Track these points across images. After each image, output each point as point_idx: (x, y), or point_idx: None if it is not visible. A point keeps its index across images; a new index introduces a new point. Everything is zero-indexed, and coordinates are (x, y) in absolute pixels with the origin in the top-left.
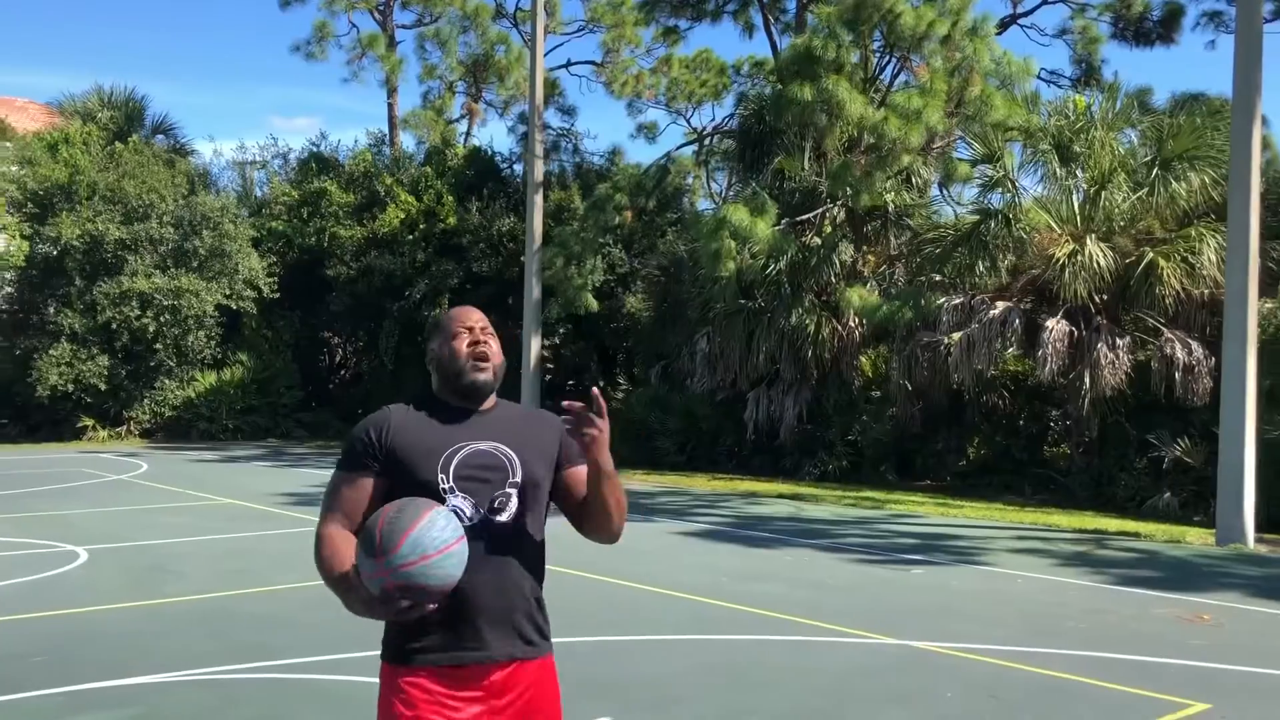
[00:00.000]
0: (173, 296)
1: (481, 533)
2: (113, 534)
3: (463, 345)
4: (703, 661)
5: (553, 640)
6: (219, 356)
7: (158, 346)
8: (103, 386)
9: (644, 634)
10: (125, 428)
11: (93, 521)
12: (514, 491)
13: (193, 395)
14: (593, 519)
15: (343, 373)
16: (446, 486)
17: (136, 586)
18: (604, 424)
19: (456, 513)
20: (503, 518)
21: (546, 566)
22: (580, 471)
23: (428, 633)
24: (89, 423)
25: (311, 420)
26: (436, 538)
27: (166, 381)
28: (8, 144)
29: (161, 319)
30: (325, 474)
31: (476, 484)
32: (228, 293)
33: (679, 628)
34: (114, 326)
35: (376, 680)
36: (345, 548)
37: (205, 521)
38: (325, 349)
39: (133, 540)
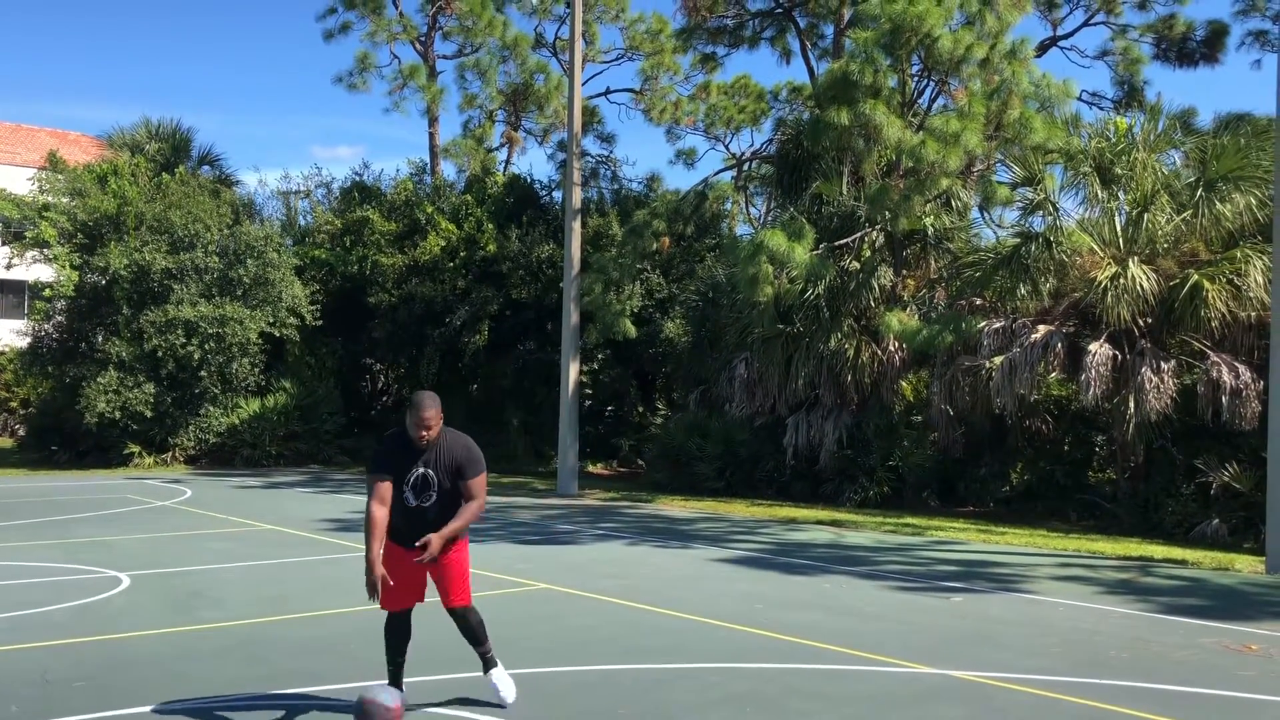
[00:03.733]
0: (217, 324)
1: (419, 510)
2: (155, 560)
3: (415, 430)
4: (734, 691)
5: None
6: (263, 384)
7: (202, 374)
8: (149, 414)
9: (676, 662)
10: (171, 454)
11: (136, 547)
12: (435, 493)
13: (237, 422)
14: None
15: (384, 399)
16: (406, 490)
17: (177, 612)
18: (429, 550)
19: (406, 500)
20: (428, 504)
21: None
22: (464, 486)
23: (398, 540)
24: (135, 449)
25: (353, 446)
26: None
27: (211, 409)
28: (59, 176)
29: (206, 347)
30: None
31: (418, 489)
32: (271, 320)
33: (712, 656)
34: (160, 354)
35: (417, 704)
36: (379, 514)
37: (247, 547)
38: (367, 375)
39: (175, 566)
